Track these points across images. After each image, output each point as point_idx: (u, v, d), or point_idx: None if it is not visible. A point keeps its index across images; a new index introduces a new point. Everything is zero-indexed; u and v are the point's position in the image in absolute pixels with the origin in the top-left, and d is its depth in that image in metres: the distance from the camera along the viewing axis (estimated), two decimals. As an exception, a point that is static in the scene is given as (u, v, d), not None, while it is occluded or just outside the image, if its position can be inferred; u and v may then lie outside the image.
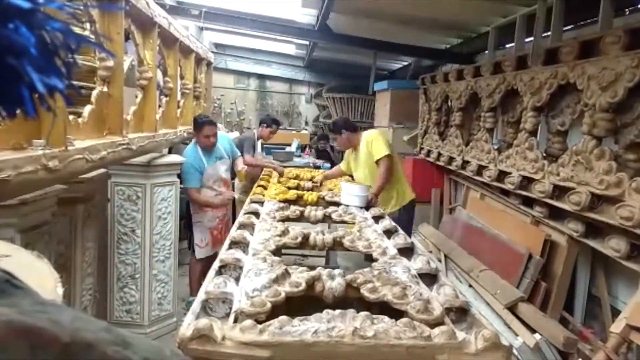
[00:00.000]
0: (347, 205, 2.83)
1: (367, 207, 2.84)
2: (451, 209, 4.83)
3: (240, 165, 4.02)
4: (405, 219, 3.46)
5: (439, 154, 4.65)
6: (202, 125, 3.49)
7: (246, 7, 5.31)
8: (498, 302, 3.05)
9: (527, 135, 3.12)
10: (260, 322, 1.17)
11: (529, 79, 3.11)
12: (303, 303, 1.44)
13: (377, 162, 3.40)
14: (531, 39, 3.37)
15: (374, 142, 3.45)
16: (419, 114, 5.43)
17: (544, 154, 2.99)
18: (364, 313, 1.22)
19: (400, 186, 3.60)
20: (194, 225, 3.64)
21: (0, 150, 1.33)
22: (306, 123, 9.03)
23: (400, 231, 2.24)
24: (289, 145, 7.34)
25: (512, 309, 2.95)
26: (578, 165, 2.57)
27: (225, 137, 4.06)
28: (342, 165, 3.89)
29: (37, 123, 1.45)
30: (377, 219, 2.51)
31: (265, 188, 3.30)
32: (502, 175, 3.40)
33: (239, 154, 4.09)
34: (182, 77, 3.65)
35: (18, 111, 0.36)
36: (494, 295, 3.13)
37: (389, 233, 2.23)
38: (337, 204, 2.85)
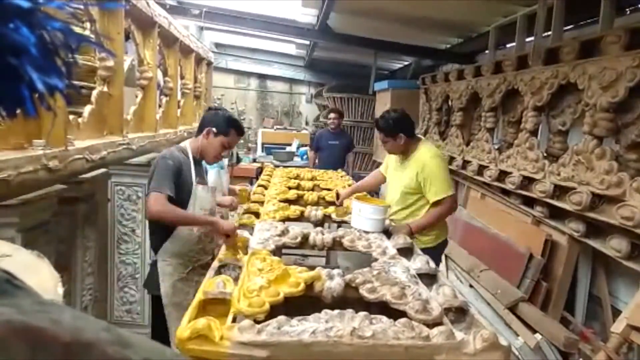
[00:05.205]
0: (366, 232, 2.16)
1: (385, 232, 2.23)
2: (451, 208, 4.82)
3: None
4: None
5: (440, 154, 4.64)
6: None
7: (246, 7, 5.31)
8: (499, 302, 3.05)
9: (527, 135, 3.12)
10: (258, 322, 1.16)
11: (530, 79, 3.11)
12: (302, 303, 1.44)
13: (435, 201, 2.48)
14: (532, 38, 3.36)
15: (433, 179, 2.46)
16: (419, 113, 5.43)
17: (545, 154, 2.98)
18: (362, 313, 1.22)
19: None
20: None
21: (1, 150, 1.33)
22: (306, 123, 9.03)
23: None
24: (289, 145, 7.33)
25: (512, 309, 2.95)
26: (579, 165, 2.57)
27: None
28: (381, 169, 2.91)
29: (38, 123, 1.45)
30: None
31: (265, 188, 3.28)
32: (502, 175, 3.39)
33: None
34: (182, 77, 3.65)
35: (18, 111, 0.36)
36: (494, 296, 3.12)
37: (388, 233, 2.22)
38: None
